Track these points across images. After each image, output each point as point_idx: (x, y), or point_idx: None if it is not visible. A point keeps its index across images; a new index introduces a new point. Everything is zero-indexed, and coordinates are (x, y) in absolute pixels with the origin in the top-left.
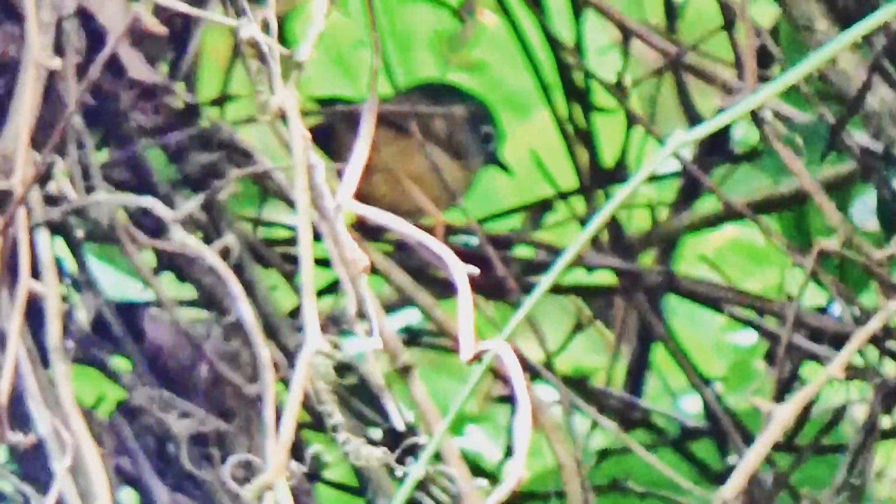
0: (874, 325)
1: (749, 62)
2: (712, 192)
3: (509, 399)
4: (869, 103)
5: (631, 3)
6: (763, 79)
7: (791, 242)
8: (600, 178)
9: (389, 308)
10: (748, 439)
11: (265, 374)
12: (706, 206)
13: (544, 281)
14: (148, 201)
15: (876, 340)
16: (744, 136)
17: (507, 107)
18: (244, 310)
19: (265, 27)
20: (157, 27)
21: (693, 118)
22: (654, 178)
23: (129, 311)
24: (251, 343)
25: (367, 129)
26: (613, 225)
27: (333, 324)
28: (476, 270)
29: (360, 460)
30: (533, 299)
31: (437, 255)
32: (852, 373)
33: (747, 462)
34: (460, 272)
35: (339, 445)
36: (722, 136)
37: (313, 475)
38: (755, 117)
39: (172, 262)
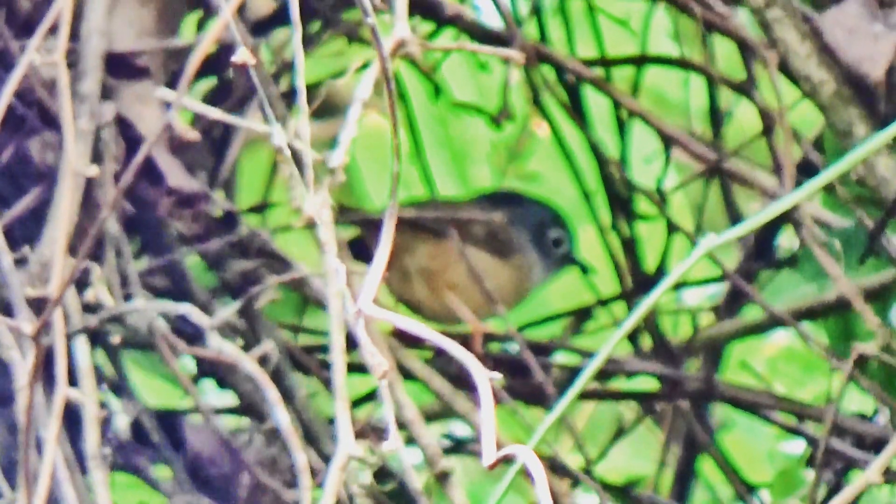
0: None
1: (787, 166)
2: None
3: None
4: None
5: (677, 112)
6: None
7: (832, 348)
8: (642, 285)
9: (430, 416)
10: None
11: (302, 478)
12: (752, 313)
13: (575, 385)
14: (185, 308)
15: None
16: (789, 243)
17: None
18: (281, 415)
19: (298, 135)
20: (189, 133)
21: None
22: (698, 284)
23: (169, 420)
24: (289, 449)
25: (387, 235)
26: (656, 332)
27: (374, 431)
28: (498, 376)
29: None
30: (563, 404)
31: (461, 360)
32: (891, 477)
33: None
34: (482, 377)
35: None
36: (766, 243)
37: None
38: (793, 221)
39: (212, 370)
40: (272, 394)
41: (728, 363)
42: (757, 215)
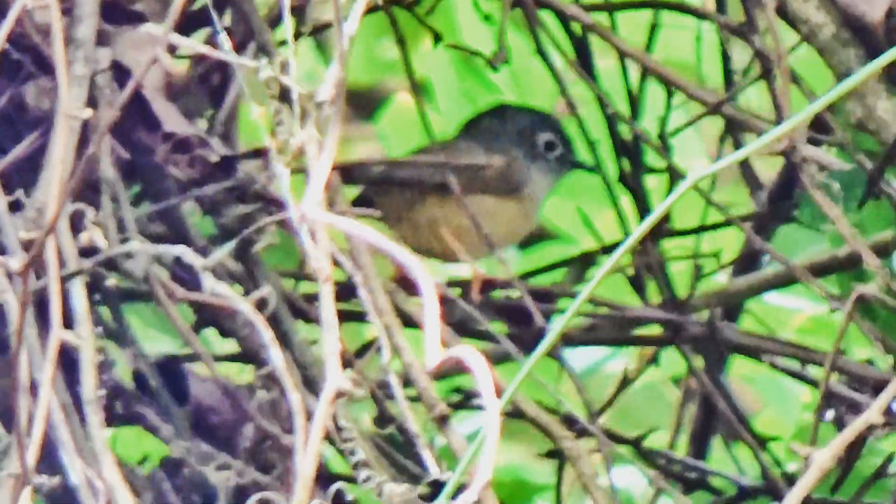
0: None
1: (785, 107)
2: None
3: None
4: None
5: (690, 69)
6: (816, 143)
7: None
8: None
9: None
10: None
11: (297, 418)
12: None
13: (557, 326)
14: (179, 250)
15: None
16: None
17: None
18: (275, 355)
19: (285, 68)
20: (177, 69)
21: (753, 183)
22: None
23: (172, 369)
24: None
25: (335, 122)
26: (664, 283)
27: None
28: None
29: (383, 498)
30: (549, 340)
31: (411, 269)
32: (892, 419)
33: None
34: (426, 280)
35: (361, 483)
36: (781, 199)
37: None
38: (792, 164)
39: (212, 318)
40: (266, 334)
41: (743, 321)
42: (745, 147)
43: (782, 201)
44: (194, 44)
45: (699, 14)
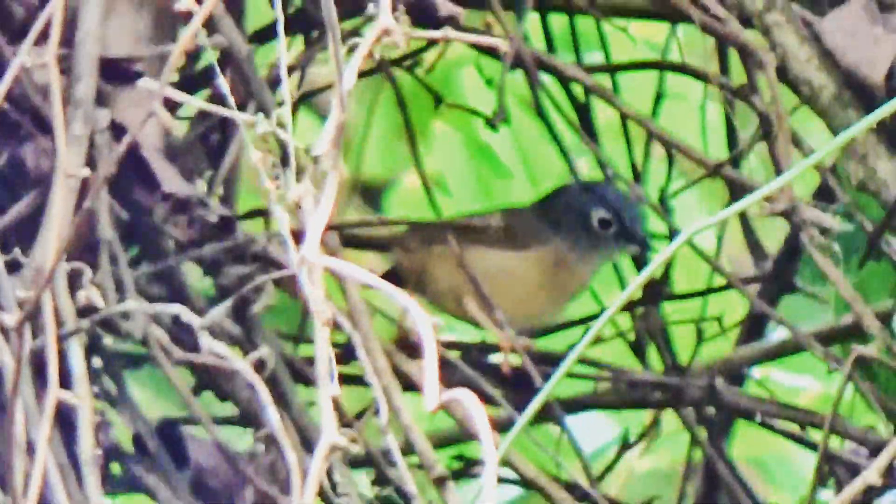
0: None
1: (784, 166)
2: (779, 323)
3: None
4: None
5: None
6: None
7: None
8: (650, 296)
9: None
10: None
11: (293, 477)
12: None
13: (554, 377)
14: (176, 309)
15: None
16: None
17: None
18: (272, 415)
19: (281, 124)
20: (174, 125)
21: (757, 252)
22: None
23: (171, 433)
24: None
25: (332, 182)
26: (667, 348)
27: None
28: (441, 323)
29: None
30: (542, 395)
31: (405, 306)
32: (890, 480)
33: None
34: (424, 321)
35: None
36: (787, 271)
37: None
38: (793, 224)
39: (211, 382)
40: (264, 393)
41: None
42: (741, 201)
43: (786, 269)
44: (192, 99)
45: (701, 76)
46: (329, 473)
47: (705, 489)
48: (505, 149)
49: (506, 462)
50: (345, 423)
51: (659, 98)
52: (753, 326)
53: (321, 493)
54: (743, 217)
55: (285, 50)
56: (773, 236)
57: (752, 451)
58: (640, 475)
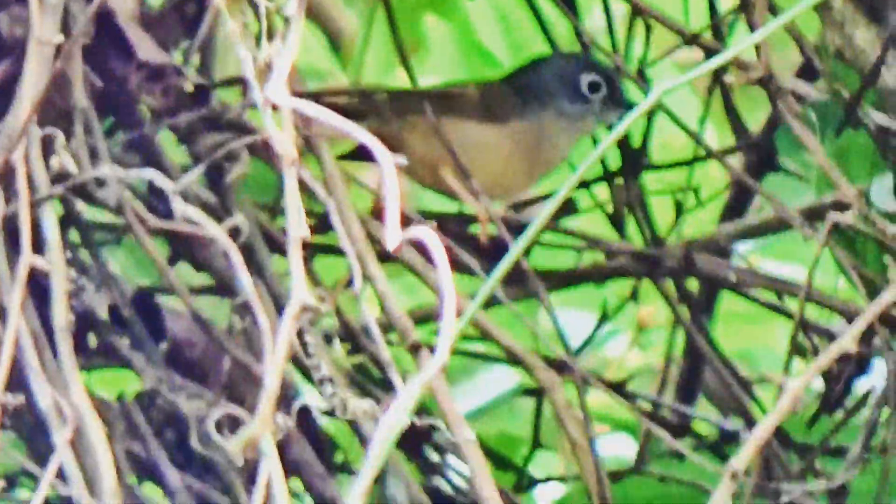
0: (886, 299)
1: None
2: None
3: None
4: (885, 81)
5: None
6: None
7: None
8: (627, 166)
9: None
10: (786, 441)
11: (265, 341)
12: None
13: (511, 253)
14: (149, 173)
15: (888, 316)
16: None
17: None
18: (246, 281)
19: None
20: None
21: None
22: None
23: (146, 304)
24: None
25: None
26: (646, 220)
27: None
28: (403, 161)
29: (347, 414)
30: (511, 257)
31: (368, 144)
32: (865, 348)
33: (758, 433)
34: (386, 157)
35: (327, 399)
36: (769, 150)
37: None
38: (768, 91)
39: (187, 251)
40: (237, 259)
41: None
42: (707, 62)
43: (768, 144)
44: None
45: None
46: (301, 337)
47: (688, 365)
48: (501, 49)
49: (485, 335)
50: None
51: None
52: (735, 204)
53: (293, 358)
54: (725, 94)
55: None
56: (757, 119)
57: (738, 342)
58: (630, 370)
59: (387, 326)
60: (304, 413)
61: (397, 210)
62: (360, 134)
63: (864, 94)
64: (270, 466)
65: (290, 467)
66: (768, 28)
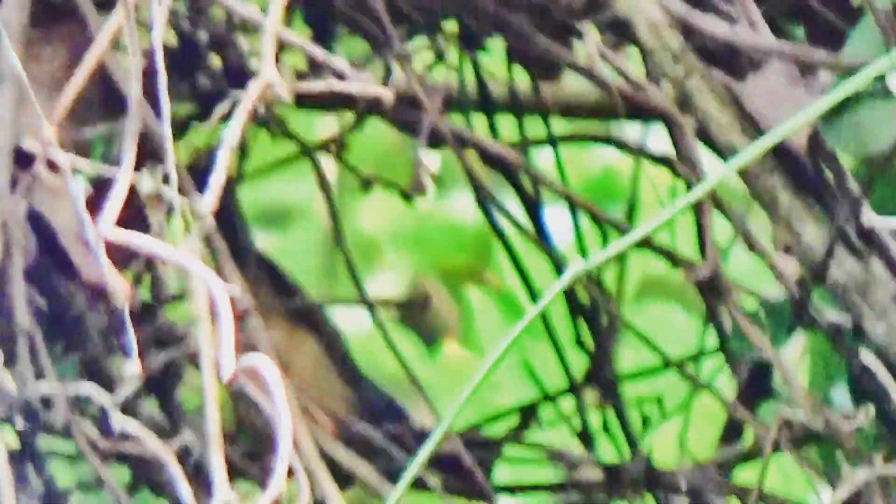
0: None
1: (706, 226)
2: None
3: None
4: (835, 276)
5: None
6: None
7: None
8: (590, 380)
9: None
10: None
11: None
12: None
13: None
14: (86, 388)
15: None
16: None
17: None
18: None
19: (166, 180)
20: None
21: None
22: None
23: None
24: None
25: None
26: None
27: None
28: (238, 292)
29: None
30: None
31: (202, 277)
32: None
33: None
34: (221, 293)
35: None
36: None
37: None
38: (714, 292)
39: (147, 477)
40: (176, 471)
41: None
42: (633, 232)
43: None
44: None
45: (627, 147)
46: None
47: None
48: None
49: None
50: None
51: None
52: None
53: None
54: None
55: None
56: None
57: None
58: None
59: None
60: None
61: (232, 342)
62: (207, 277)
63: (811, 289)
64: None
65: None
66: (701, 189)
